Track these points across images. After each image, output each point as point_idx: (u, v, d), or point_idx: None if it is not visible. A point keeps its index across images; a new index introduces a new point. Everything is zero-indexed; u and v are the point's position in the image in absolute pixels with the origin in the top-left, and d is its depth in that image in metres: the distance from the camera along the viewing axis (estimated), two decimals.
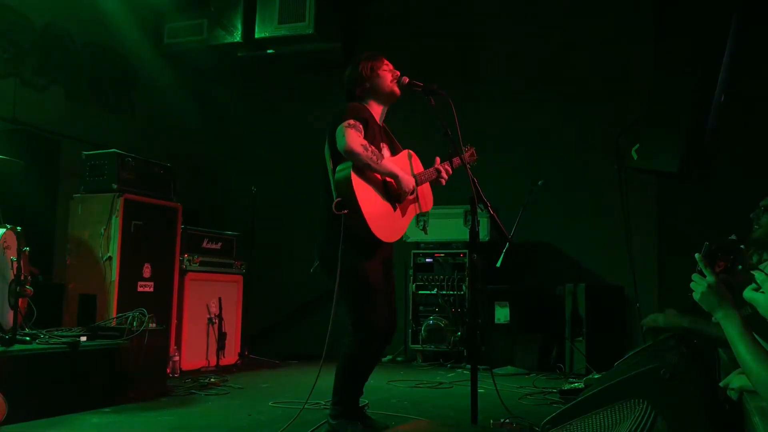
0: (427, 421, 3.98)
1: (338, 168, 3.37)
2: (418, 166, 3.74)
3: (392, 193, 3.49)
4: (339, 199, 3.30)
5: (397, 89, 3.63)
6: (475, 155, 3.96)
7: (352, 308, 3.44)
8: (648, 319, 2.98)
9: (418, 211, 3.71)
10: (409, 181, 3.48)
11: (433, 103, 3.45)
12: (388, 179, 3.46)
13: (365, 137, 3.39)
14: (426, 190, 3.77)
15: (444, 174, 3.72)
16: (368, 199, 3.33)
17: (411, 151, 3.76)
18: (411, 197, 3.60)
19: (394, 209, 3.50)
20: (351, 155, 3.30)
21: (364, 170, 3.36)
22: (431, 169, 3.72)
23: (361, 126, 3.38)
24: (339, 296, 3.37)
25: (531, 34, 7.20)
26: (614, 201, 6.63)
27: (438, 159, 3.74)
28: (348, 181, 3.29)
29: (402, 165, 3.63)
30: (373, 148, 3.36)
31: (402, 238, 6.64)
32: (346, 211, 3.27)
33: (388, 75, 3.62)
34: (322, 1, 7.19)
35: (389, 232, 3.41)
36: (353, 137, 3.29)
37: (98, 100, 7.08)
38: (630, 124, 6.57)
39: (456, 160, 3.75)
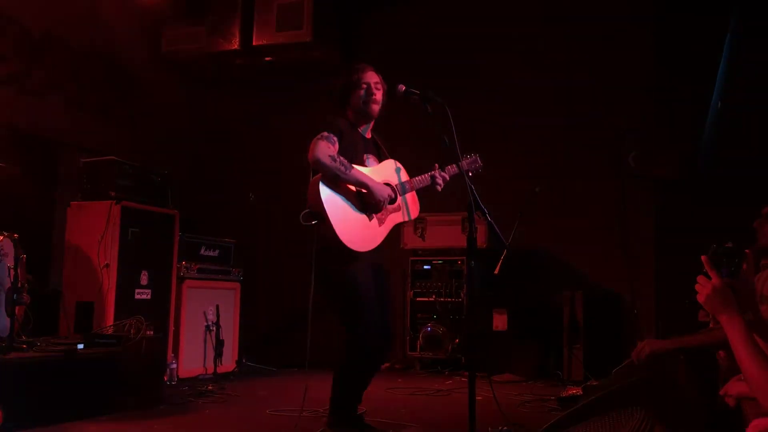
0: (425, 428, 3.97)
1: (311, 180, 3.41)
2: (406, 176, 3.74)
3: (368, 203, 3.49)
4: (306, 210, 3.35)
5: (369, 110, 3.64)
6: (479, 162, 3.93)
7: (342, 315, 3.45)
8: (636, 351, 2.97)
9: (403, 220, 3.70)
10: (381, 191, 3.48)
11: (430, 110, 3.46)
12: (363, 190, 3.47)
13: (342, 149, 3.44)
14: (413, 198, 3.77)
15: (440, 180, 3.71)
16: (337, 209, 3.36)
17: (396, 161, 3.75)
18: (392, 206, 3.60)
19: (370, 219, 3.51)
20: (318, 165, 3.36)
21: (335, 181, 3.39)
22: (425, 176, 3.71)
23: (334, 138, 3.43)
24: (328, 304, 3.39)
25: (530, 41, 7.21)
26: (612, 208, 6.65)
27: (437, 165, 3.74)
28: (316, 191, 3.34)
29: (385, 174, 3.63)
30: (342, 158, 3.39)
31: (400, 245, 6.72)
32: (314, 222, 3.32)
33: (359, 93, 3.63)
34: (320, 8, 7.20)
35: (360, 242, 3.42)
36: (321, 148, 3.35)
37: (96, 107, 7.07)
38: (628, 131, 6.59)
39: (453, 168, 3.75)
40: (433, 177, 3.70)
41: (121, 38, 7.14)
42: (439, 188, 3.73)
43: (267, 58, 7.57)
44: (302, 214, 3.34)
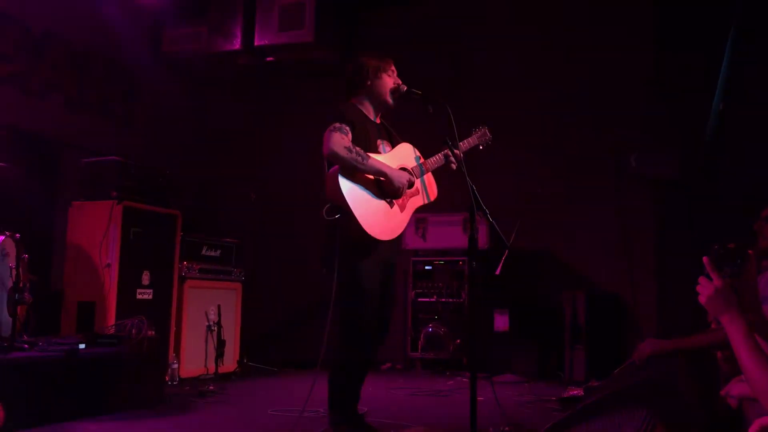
0: (426, 429, 3.97)
1: (328, 173, 3.38)
2: (421, 158, 3.72)
3: (388, 190, 3.47)
4: (328, 205, 3.32)
5: (391, 101, 3.64)
6: (489, 134, 3.90)
7: (343, 311, 3.44)
8: (637, 352, 2.99)
9: (423, 202, 3.69)
10: (400, 177, 3.47)
11: (431, 111, 3.46)
12: (382, 178, 3.46)
13: (355, 138, 3.40)
14: (430, 180, 3.76)
15: (453, 159, 3.66)
16: (359, 200, 3.34)
17: (410, 144, 3.72)
18: (411, 191, 3.59)
19: (391, 206, 3.49)
20: (335, 158, 3.33)
21: (353, 172, 3.36)
22: (438, 156, 3.67)
23: (347, 128, 3.39)
24: (335, 299, 3.38)
25: (531, 44, 7.21)
26: (613, 209, 6.65)
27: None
28: (336, 184, 3.31)
29: (401, 158, 3.61)
30: (358, 149, 3.36)
31: (401, 245, 6.71)
32: (337, 216, 3.29)
33: (389, 82, 3.62)
34: (321, 9, 7.20)
35: (385, 231, 3.41)
36: (336, 141, 3.32)
37: (98, 107, 7.07)
38: (629, 132, 6.59)
39: (465, 144, 3.74)
40: (446, 156, 3.67)
41: (123, 38, 7.12)
42: (453, 166, 3.68)
43: (269, 58, 7.58)
44: (325, 208, 3.30)
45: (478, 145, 3.85)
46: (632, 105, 6.65)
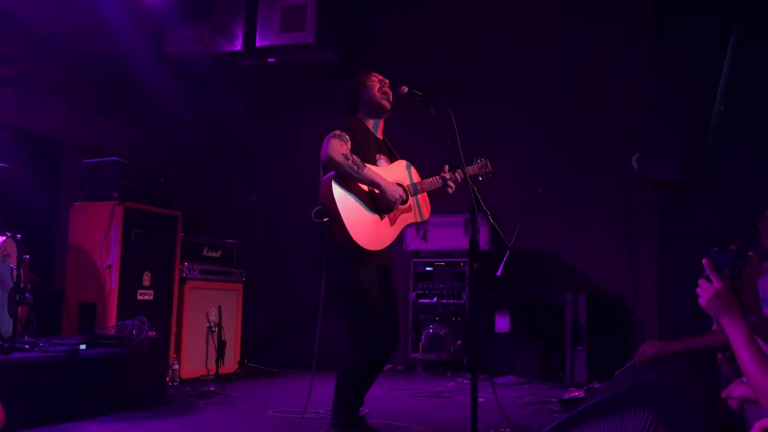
0: (427, 431, 3.97)
1: (323, 178, 3.42)
2: (417, 177, 3.74)
3: (380, 203, 3.49)
4: (319, 207, 3.36)
5: (384, 102, 3.67)
6: (489, 167, 3.95)
7: (347, 318, 3.45)
8: (639, 353, 3.00)
9: (414, 220, 3.70)
10: (393, 191, 3.48)
11: (432, 112, 3.46)
12: (376, 189, 3.48)
13: (354, 147, 3.44)
14: (424, 200, 3.77)
15: (451, 183, 3.70)
16: (349, 208, 3.37)
17: (408, 162, 3.77)
18: (404, 207, 3.60)
19: (381, 218, 3.50)
20: (331, 164, 3.36)
21: (347, 180, 3.40)
22: (435, 178, 3.71)
23: (346, 136, 3.43)
24: (332, 305, 3.39)
25: (532, 45, 7.21)
26: (616, 210, 6.64)
27: (447, 167, 3.74)
28: (329, 190, 3.34)
29: (397, 175, 3.63)
30: (355, 157, 3.39)
31: (402, 246, 6.72)
32: (326, 219, 3.32)
33: (375, 85, 3.66)
34: (323, 10, 7.20)
35: (373, 241, 3.42)
36: (334, 146, 3.35)
37: (100, 108, 7.08)
38: (631, 133, 6.58)
39: (466, 172, 3.76)
40: (444, 179, 3.70)
41: (125, 39, 7.13)
42: (450, 191, 3.72)
43: (270, 59, 7.58)
44: (314, 211, 3.35)
45: (477, 176, 3.88)
46: (633, 106, 6.64)
